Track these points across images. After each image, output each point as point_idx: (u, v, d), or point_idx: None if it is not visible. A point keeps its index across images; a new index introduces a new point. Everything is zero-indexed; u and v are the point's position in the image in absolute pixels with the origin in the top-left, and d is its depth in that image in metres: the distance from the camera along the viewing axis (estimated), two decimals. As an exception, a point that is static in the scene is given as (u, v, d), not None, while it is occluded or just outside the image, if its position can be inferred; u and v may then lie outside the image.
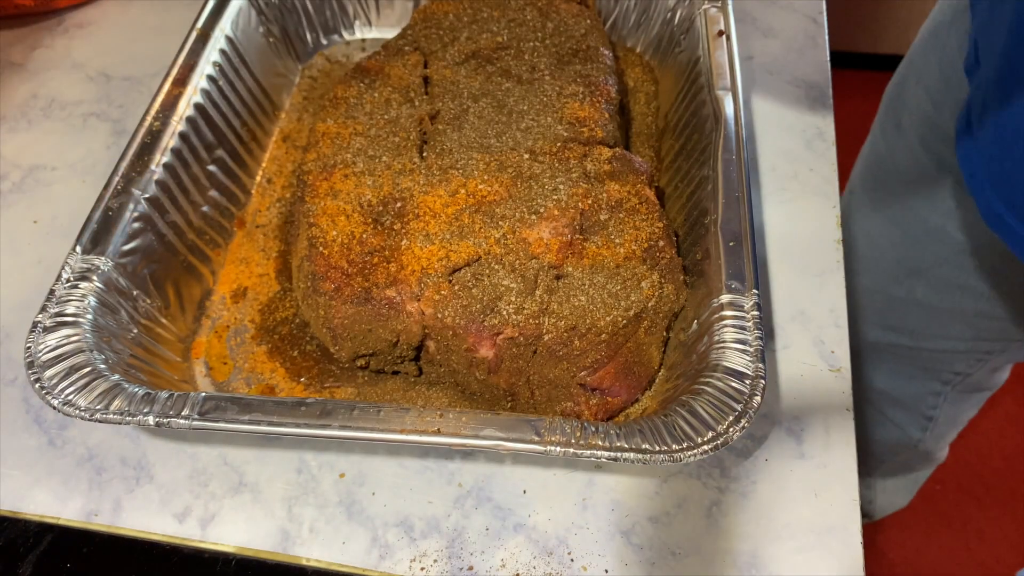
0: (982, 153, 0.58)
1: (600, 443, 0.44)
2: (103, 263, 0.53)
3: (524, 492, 0.52)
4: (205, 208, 0.62)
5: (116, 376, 0.48)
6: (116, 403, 0.46)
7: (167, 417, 0.46)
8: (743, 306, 0.48)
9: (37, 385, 0.47)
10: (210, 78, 0.64)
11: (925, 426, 1.03)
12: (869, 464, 1.19)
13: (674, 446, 0.43)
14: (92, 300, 0.51)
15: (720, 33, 0.64)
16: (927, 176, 0.80)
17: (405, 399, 0.55)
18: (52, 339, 0.49)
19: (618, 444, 0.44)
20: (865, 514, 1.26)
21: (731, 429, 0.44)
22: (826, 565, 0.49)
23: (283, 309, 0.60)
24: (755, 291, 0.49)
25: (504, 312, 0.50)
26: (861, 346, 0.96)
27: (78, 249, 0.53)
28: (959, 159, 0.61)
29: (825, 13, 0.79)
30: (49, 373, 0.47)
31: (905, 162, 0.82)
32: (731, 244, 0.51)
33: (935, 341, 0.89)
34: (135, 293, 0.55)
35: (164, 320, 0.57)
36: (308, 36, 0.77)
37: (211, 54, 0.65)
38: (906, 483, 1.20)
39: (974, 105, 0.59)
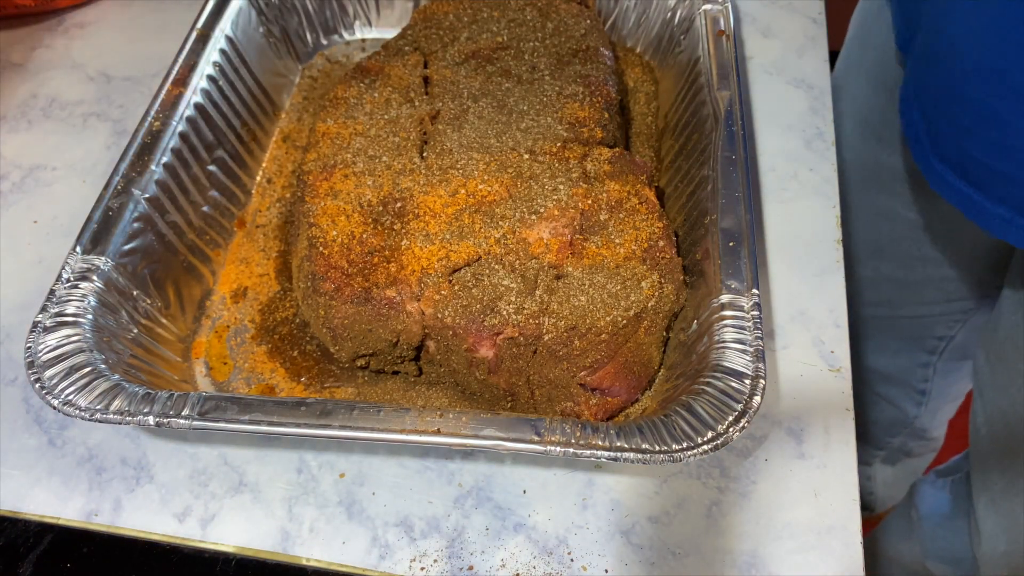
0: (923, 117, 0.61)
1: (600, 443, 0.44)
2: (103, 263, 0.53)
3: (524, 492, 0.52)
4: (205, 208, 0.62)
5: (116, 376, 0.48)
6: (116, 403, 0.46)
7: (167, 417, 0.46)
8: (743, 306, 0.48)
9: (37, 385, 0.47)
10: (210, 78, 0.64)
11: (919, 401, 1.05)
12: (867, 452, 1.19)
13: (674, 446, 0.43)
14: (92, 300, 0.51)
15: (720, 33, 0.64)
16: (871, 162, 0.84)
17: (405, 399, 0.55)
18: (52, 339, 0.49)
19: (618, 444, 0.44)
20: (865, 506, 1.26)
21: (731, 429, 0.44)
22: (826, 565, 0.49)
23: (283, 309, 0.60)
24: (755, 291, 0.49)
25: (504, 312, 0.50)
26: None
27: (78, 249, 0.53)
28: (904, 126, 0.64)
29: (825, 13, 0.79)
30: (49, 373, 0.47)
31: (850, 152, 0.86)
32: (731, 244, 0.51)
33: (911, 308, 0.92)
34: (135, 293, 0.55)
35: (164, 320, 0.57)
36: (308, 36, 0.77)
37: (211, 54, 0.65)
38: (906, 473, 1.20)
39: (913, 74, 0.63)
